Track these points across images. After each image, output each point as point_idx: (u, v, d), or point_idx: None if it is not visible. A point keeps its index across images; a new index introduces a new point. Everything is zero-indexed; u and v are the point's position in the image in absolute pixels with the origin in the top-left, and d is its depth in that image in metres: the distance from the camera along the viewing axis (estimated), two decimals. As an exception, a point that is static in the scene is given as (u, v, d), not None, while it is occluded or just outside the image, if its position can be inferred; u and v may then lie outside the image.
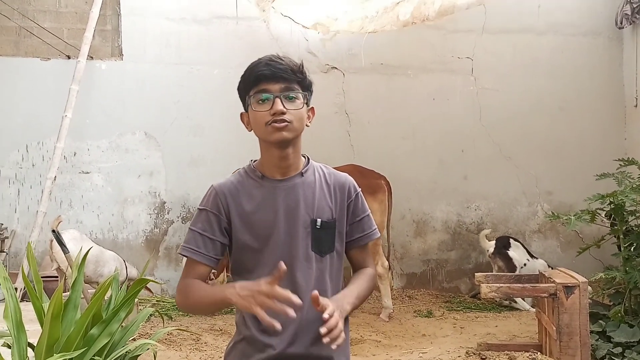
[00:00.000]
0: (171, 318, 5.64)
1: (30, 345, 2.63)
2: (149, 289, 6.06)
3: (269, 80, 1.70)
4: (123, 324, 3.06)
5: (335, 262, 1.79)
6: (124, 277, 5.72)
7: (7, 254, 5.56)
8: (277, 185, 1.78)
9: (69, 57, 6.46)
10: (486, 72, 7.20)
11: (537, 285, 4.10)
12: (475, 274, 4.49)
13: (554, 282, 3.91)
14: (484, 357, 4.10)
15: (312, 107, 1.85)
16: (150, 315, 5.49)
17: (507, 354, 4.06)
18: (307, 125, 1.80)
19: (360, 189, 1.91)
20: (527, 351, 4.08)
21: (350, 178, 1.90)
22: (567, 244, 7.23)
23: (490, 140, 7.22)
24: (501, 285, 4.04)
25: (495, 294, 4.03)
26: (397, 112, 7.11)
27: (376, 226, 1.91)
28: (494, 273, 5.19)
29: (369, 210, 1.90)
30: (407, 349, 4.80)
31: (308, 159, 1.87)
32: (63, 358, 2.40)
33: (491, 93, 7.23)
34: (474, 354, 4.20)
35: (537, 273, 4.53)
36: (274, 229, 1.75)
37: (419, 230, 7.16)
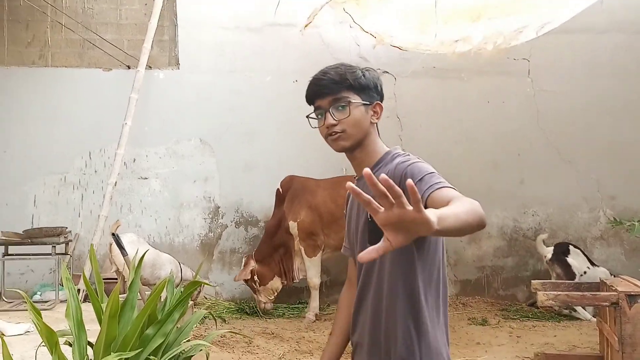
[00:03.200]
0: (224, 321, 5.74)
1: (90, 344, 2.73)
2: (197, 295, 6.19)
3: (318, 97, 1.81)
4: (178, 325, 3.14)
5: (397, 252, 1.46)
6: (179, 279, 5.87)
7: (70, 256, 5.81)
8: (356, 185, 1.61)
9: (129, 67, 6.71)
10: (544, 73, 6.99)
11: (598, 293, 3.93)
12: (532, 281, 4.35)
13: (615, 290, 3.74)
14: (541, 367, 3.98)
15: (378, 103, 1.86)
16: (204, 317, 5.62)
17: (566, 365, 3.92)
18: (372, 122, 1.84)
19: (414, 161, 1.75)
20: (588, 362, 3.92)
21: (406, 164, 1.73)
22: (631, 252, 6.91)
23: (548, 143, 7.00)
24: (559, 293, 3.89)
25: (553, 302, 3.89)
26: (450, 115, 7.01)
27: (443, 180, 1.68)
28: (551, 281, 5.02)
29: (430, 171, 1.70)
30: (460, 357, 4.70)
31: (389, 153, 1.85)
32: (119, 357, 2.48)
33: (549, 95, 7.01)
34: (531, 364, 4.07)
35: (598, 281, 4.35)
36: (349, 228, 1.90)
37: (474, 236, 6.99)
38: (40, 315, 2.55)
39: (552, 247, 6.17)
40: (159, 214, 6.72)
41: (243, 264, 6.11)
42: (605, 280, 4.16)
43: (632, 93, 6.94)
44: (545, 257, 6.12)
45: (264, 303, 6.08)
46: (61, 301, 5.37)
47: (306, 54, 6.59)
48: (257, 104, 6.84)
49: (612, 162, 6.99)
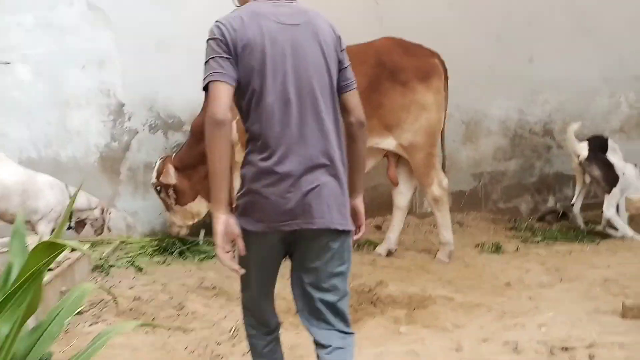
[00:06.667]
0: (140, 270, 3.92)
1: None
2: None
3: None
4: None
5: None
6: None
7: None
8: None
9: None
10: None
11: None
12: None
13: None
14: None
15: None
16: (106, 266, 3.83)
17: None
18: None
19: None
20: None
21: None
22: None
23: (565, 6, 5.32)
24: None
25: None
26: (442, -32, 5.11)
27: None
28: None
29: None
30: (500, 312, 3.18)
31: None
32: None
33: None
34: None
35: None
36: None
37: (469, 133, 5.40)
38: None
39: (586, 143, 4.61)
40: (33, 115, 4.58)
41: (156, 167, 4.29)
42: None
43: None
44: (579, 155, 4.56)
45: (178, 227, 4.34)
46: None
47: None
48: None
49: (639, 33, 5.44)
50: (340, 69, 1.91)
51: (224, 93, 1.75)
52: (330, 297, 1.89)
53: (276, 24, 1.82)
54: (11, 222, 3.83)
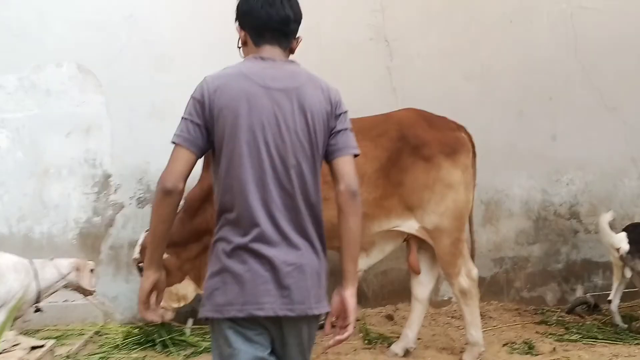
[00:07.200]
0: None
1: None
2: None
3: None
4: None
5: None
6: (34, 292, 3.36)
7: None
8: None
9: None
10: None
11: None
12: None
13: None
14: None
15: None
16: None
17: None
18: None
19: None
20: None
21: None
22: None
23: (589, 82, 5.02)
24: None
25: None
26: (459, 40, 4.83)
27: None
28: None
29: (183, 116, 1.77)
30: None
31: None
32: None
33: (591, 14, 5.00)
34: None
35: None
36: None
37: (490, 214, 4.93)
38: None
39: (624, 234, 4.12)
40: (7, 186, 4.11)
41: (140, 241, 3.78)
42: None
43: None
44: (619, 249, 4.04)
45: (162, 309, 3.71)
46: None
47: None
48: (173, 12, 4.32)
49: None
50: (333, 132, 1.78)
51: (183, 160, 1.69)
52: None
53: (259, 87, 1.71)
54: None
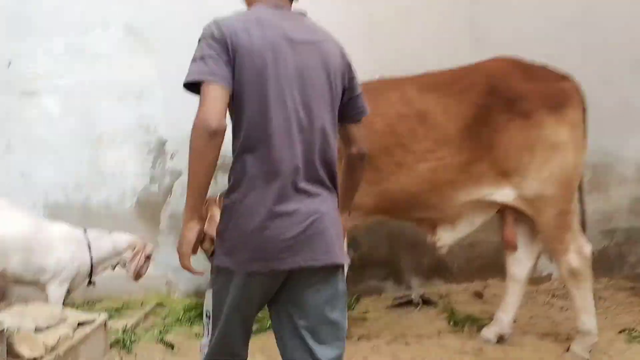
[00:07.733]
0: (172, 348, 3.07)
1: None
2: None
3: None
4: None
5: None
6: (85, 267, 3.13)
7: None
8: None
9: None
10: None
11: None
12: None
13: None
14: None
15: None
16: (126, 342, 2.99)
17: None
18: None
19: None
20: None
21: None
22: None
23: None
24: None
25: None
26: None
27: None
28: None
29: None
30: None
31: None
32: None
33: None
34: None
35: None
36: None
37: (597, 180, 4.25)
38: None
39: None
40: (62, 154, 3.91)
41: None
42: None
43: None
44: None
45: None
46: None
47: None
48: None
49: None
50: (350, 97, 1.78)
51: (220, 97, 1.56)
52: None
53: (282, 38, 1.63)
54: (15, 282, 3.07)
